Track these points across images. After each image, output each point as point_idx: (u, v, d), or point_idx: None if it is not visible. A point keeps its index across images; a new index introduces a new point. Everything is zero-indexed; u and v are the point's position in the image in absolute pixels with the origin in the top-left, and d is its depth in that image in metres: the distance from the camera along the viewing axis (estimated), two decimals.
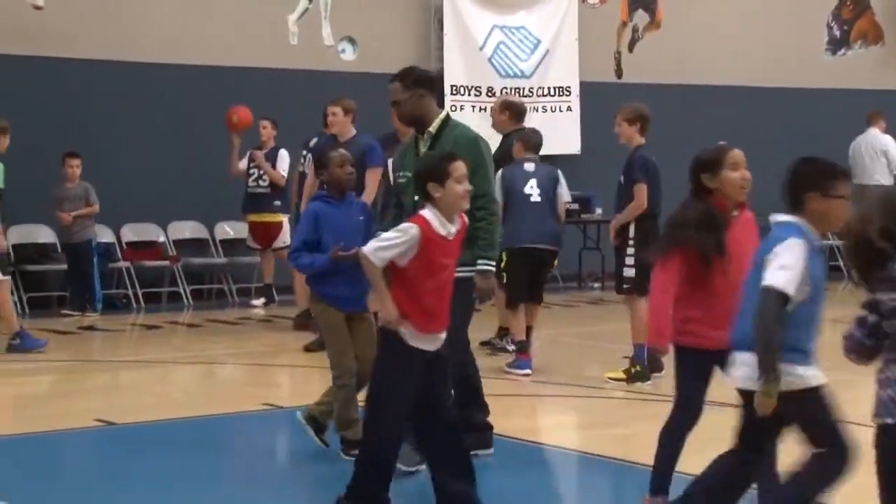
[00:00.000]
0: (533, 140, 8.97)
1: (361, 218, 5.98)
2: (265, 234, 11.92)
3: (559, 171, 8.93)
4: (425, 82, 5.75)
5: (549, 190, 8.67)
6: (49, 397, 8.27)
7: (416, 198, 5.47)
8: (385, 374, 4.68)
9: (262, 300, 12.41)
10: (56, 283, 12.32)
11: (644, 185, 7.97)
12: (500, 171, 8.72)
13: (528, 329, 8.64)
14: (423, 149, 5.69)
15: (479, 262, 5.55)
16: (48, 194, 11.67)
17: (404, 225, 4.61)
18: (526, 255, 8.54)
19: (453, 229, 4.62)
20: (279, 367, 9.07)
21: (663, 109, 9.55)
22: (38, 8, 10.99)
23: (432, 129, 5.68)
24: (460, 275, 5.40)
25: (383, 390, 4.67)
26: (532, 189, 8.60)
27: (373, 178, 8.68)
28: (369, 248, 4.61)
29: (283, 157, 11.76)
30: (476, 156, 5.54)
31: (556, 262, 9.04)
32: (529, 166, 8.72)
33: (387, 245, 4.56)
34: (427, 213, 4.60)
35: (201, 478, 5.65)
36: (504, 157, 9.33)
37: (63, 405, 7.74)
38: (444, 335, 4.72)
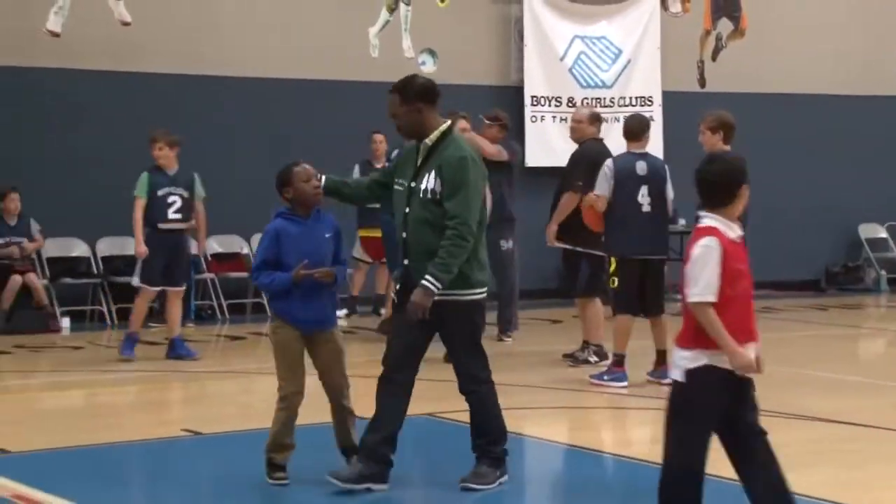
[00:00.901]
0: (634, 127, 8.68)
1: (328, 235, 5.65)
2: (380, 248, 11.78)
3: (665, 167, 8.72)
4: (424, 95, 5.51)
5: (660, 194, 8.48)
6: (138, 407, 8.41)
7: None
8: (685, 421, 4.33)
9: (344, 311, 12.47)
10: None
11: None
12: (608, 163, 8.64)
13: (661, 353, 8.44)
14: (419, 161, 5.52)
15: (426, 277, 5.32)
16: None
17: (703, 243, 4.27)
18: (636, 266, 8.42)
19: (740, 232, 4.39)
20: (360, 378, 9.08)
21: (748, 118, 9.44)
22: (125, 24, 11.20)
23: (429, 140, 5.49)
24: (457, 298, 5.41)
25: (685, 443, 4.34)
26: (644, 198, 8.42)
27: None
28: (696, 296, 4.23)
29: None
30: (460, 177, 5.39)
31: (665, 270, 8.81)
32: (641, 167, 8.48)
33: (707, 277, 4.23)
34: (711, 221, 4.36)
35: (284, 486, 5.69)
36: (581, 164, 9.31)
37: (152, 415, 7.88)
38: (756, 347, 4.34)
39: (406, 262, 5.53)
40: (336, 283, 5.66)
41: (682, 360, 4.33)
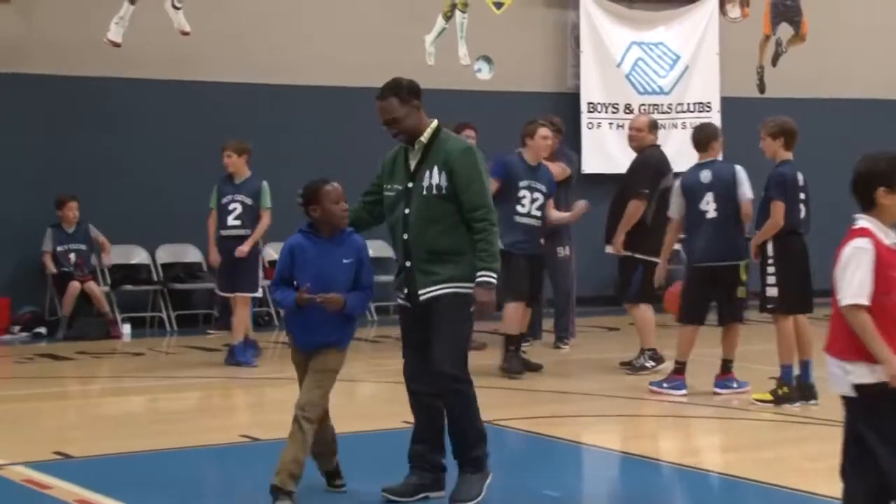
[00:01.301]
0: (699, 138, 8.54)
1: (347, 260, 5.42)
2: None
3: (737, 170, 8.41)
4: (416, 92, 5.50)
5: (727, 200, 8.26)
6: (197, 412, 8.48)
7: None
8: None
9: None
10: (202, 301, 12.63)
11: (780, 202, 7.76)
12: (678, 182, 8.60)
13: (726, 362, 8.38)
14: (413, 161, 5.44)
15: (480, 273, 5.27)
16: (194, 215, 11.98)
17: (855, 244, 4.07)
18: (704, 273, 8.28)
19: (895, 239, 4.15)
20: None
21: (809, 124, 9.31)
22: (185, 34, 11.31)
23: (423, 138, 5.43)
24: (458, 290, 5.30)
25: None
26: (708, 205, 8.26)
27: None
28: (848, 299, 3.98)
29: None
30: (470, 168, 5.35)
31: (743, 277, 8.37)
32: (706, 176, 8.33)
33: (860, 279, 3.98)
34: (865, 222, 4.14)
35: (343, 493, 5.71)
36: (646, 172, 9.26)
37: (211, 421, 7.94)
38: None
39: (408, 263, 5.43)
40: (349, 308, 5.40)
41: (848, 375, 4.03)
